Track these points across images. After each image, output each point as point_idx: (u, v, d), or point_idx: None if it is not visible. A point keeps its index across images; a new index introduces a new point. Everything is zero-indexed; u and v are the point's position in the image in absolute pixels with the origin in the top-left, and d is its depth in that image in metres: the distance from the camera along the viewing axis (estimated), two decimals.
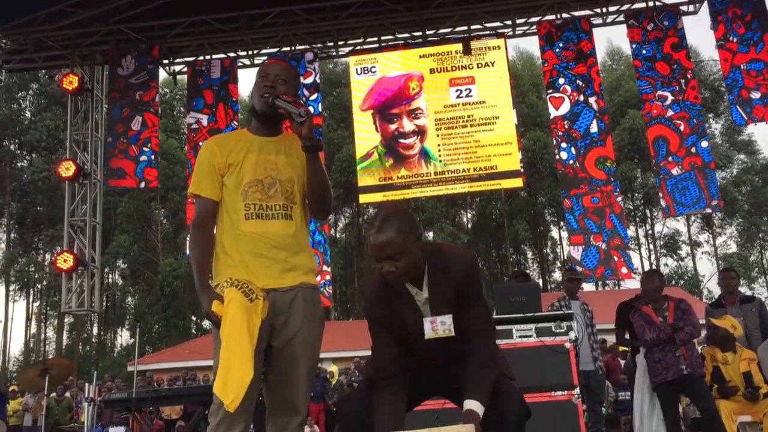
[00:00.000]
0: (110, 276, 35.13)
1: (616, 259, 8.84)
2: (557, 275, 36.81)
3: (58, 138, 29.21)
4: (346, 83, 28.68)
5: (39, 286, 36.50)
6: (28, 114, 36.22)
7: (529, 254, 38.96)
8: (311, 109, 9.93)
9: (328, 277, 9.68)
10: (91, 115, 10.07)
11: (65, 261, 9.14)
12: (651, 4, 9.84)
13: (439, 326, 2.50)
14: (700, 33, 12.09)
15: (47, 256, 35.26)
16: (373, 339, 2.62)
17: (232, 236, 2.61)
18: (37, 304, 37.59)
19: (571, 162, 9.27)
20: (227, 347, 2.37)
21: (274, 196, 2.66)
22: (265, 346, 2.55)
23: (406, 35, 10.50)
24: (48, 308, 36.73)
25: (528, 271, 37.98)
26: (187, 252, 2.69)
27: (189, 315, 31.74)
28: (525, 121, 31.79)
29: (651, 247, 35.83)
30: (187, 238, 9.86)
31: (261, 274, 2.56)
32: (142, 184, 9.66)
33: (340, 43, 10.61)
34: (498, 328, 4.47)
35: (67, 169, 9.41)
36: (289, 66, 3.04)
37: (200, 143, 9.72)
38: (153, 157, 9.68)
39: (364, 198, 10.05)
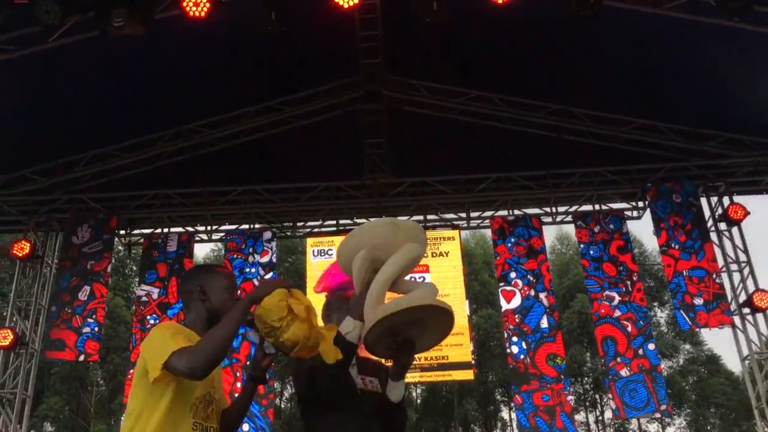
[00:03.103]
0: None
1: None
2: None
3: (1, 291, 28.31)
4: (302, 251, 28.90)
5: None
6: None
7: None
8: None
9: None
10: (38, 281, 9.83)
11: None
12: (597, 207, 10.38)
13: (368, 384, 2.99)
14: (645, 224, 12.35)
15: None
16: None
17: None
18: None
19: (522, 357, 9.27)
20: None
21: (211, 417, 2.53)
22: None
23: (364, 221, 10.76)
24: None
25: None
26: (196, 360, 2.27)
27: None
28: (477, 299, 32.08)
29: None
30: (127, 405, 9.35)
31: None
32: (81, 357, 9.26)
33: (299, 224, 10.82)
34: None
35: (4, 338, 9.00)
36: None
37: (147, 317, 9.54)
38: (96, 329, 9.36)
39: None
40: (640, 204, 10.50)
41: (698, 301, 9.13)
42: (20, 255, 9.55)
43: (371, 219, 10.68)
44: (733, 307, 9.38)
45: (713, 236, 9.81)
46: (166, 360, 2.30)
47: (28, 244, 9.60)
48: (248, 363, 8.52)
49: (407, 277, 2.97)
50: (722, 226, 9.92)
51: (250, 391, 2.70)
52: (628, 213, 10.46)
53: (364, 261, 2.77)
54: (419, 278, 9.92)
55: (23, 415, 9.28)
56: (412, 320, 2.71)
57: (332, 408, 2.84)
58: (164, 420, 2.36)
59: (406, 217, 10.69)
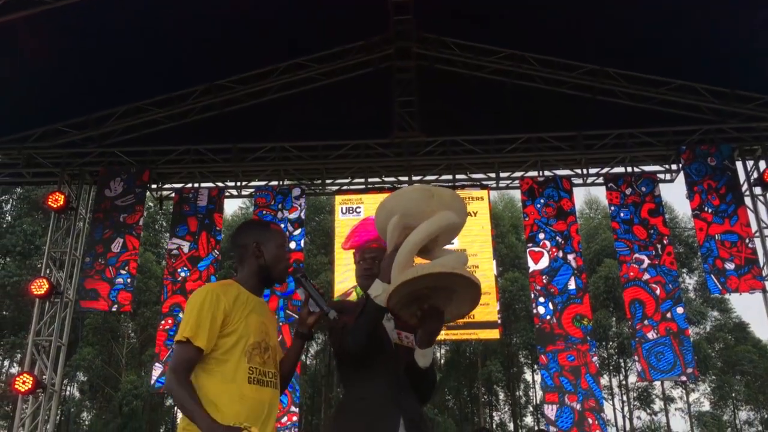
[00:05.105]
0: (68, 388, 33.73)
1: (590, 421, 8.66)
2: (529, 419, 35.93)
3: (35, 244, 28.90)
4: (329, 210, 29.01)
5: None
6: (8, 218, 35.95)
7: (501, 395, 38.11)
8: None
9: (295, 418, 9.33)
10: (72, 233, 10.01)
11: (24, 383, 8.76)
12: (629, 169, 10.24)
13: (404, 339, 2.94)
14: (676, 189, 12.31)
15: (5, 363, 33.91)
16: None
17: (233, 397, 2.44)
18: None
19: (548, 317, 9.27)
20: None
21: (268, 362, 2.60)
22: None
23: (393, 179, 10.75)
24: None
25: (499, 413, 37.14)
26: (169, 393, 2.40)
27: None
28: (503, 262, 32.04)
29: (624, 398, 35.29)
30: (156, 364, 9.56)
31: None
32: (115, 307, 9.47)
33: (328, 181, 10.83)
34: None
35: (39, 287, 9.22)
36: None
37: (178, 270, 9.68)
38: (129, 280, 9.55)
39: None
40: (674, 167, 10.32)
41: (729, 266, 9.03)
42: (55, 206, 9.72)
43: (400, 177, 10.68)
44: (765, 272, 9.25)
45: (747, 201, 9.64)
46: (179, 338, 2.45)
47: (62, 196, 9.76)
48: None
49: (447, 246, 2.90)
50: (757, 190, 9.73)
51: (299, 347, 2.80)
52: (661, 176, 10.30)
53: (396, 227, 2.75)
54: None
55: (58, 362, 9.55)
56: (438, 287, 2.65)
57: (366, 362, 2.84)
58: (217, 366, 2.48)
59: (434, 177, 10.67)
